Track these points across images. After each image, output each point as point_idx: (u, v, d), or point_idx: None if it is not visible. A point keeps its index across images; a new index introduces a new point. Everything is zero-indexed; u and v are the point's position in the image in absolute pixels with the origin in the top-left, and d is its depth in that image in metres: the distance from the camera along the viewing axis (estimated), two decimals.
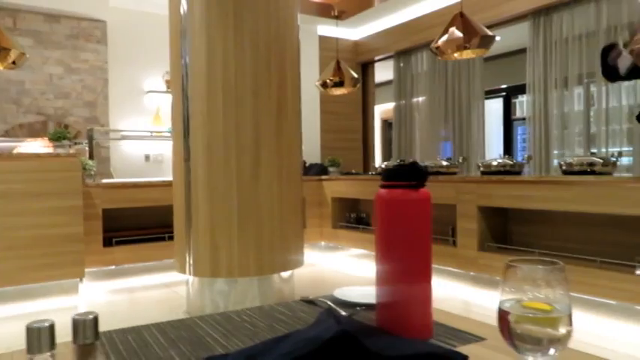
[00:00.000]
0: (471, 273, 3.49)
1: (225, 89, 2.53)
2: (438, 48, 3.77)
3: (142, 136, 5.46)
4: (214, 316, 0.98)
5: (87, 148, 4.28)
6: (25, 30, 5.08)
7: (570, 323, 0.60)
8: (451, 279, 3.64)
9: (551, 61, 4.78)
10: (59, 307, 3.02)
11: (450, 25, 3.70)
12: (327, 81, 5.04)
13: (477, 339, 0.81)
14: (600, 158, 3.12)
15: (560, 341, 0.59)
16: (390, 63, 6.68)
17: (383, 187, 0.83)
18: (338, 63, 5.06)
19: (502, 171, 3.55)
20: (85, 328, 0.55)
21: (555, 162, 4.71)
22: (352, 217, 4.82)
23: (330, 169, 5.34)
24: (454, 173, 4.02)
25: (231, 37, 2.53)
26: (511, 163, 3.58)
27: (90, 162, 3.78)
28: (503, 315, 0.62)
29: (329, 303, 0.99)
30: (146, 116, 5.64)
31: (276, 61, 2.62)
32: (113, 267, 3.79)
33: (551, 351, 0.59)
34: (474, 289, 3.39)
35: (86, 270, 3.38)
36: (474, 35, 3.63)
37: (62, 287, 3.29)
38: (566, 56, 4.68)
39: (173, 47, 2.70)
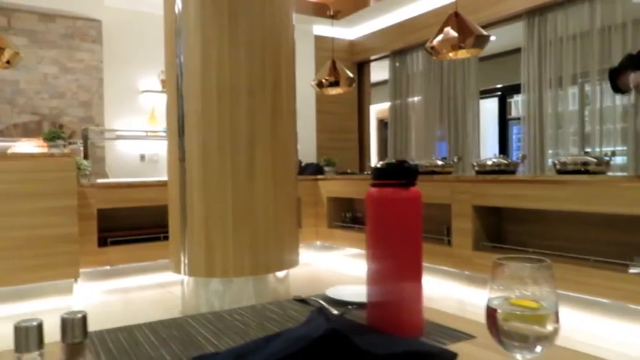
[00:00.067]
0: (466, 272, 3.50)
1: (219, 88, 2.53)
2: (433, 48, 3.78)
3: (138, 136, 5.45)
4: (206, 315, 0.98)
5: (82, 148, 4.27)
6: (20, 29, 5.06)
7: (557, 320, 0.61)
8: (446, 278, 3.65)
9: (546, 61, 4.80)
10: (53, 308, 3.01)
11: (445, 24, 3.70)
12: (323, 80, 5.04)
13: (467, 337, 0.81)
14: (594, 158, 3.13)
15: (547, 338, 0.60)
16: (386, 63, 6.69)
17: (373, 185, 0.84)
18: (333, 63, 5.06)
19: (497, 170, 3.56)
20: (74, 327, 0.55)
21: (550, 161, 4.73)
22: (348, 216, 4.82)
23: (326, 168, 5.34)
24: (449, 173, 4.03)
25: (226, 36, 2.53)
26: (506, 162, 3.59)
27: (85, 162, 3.77)
28: (491, 312, 0.62)
29: (321, 302, 0.99)
30: (141, 116, 5.62)
31: (271, 60, 2.62)
32: (108, 267, 3.78)
33: (538, 348, 0.60)
34: (469, 288, 3.40)
35: (81, 270, 3.37)
36: (468, 35, 3.64)
37: (57, 288, 3.28)
38: (561, 56, 4.70)
39: (168, 46, 2.69)
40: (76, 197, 3.27)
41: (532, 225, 3.34)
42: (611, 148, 4.48)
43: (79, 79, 5.34)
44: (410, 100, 6.43)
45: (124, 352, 0.78)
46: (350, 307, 0.96)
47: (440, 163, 4.09)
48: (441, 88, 5.95)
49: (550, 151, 4.83)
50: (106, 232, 3.79)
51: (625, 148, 4.47)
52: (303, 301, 1.05)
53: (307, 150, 6.29)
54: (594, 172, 3.03)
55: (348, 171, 5.51)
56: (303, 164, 5.56)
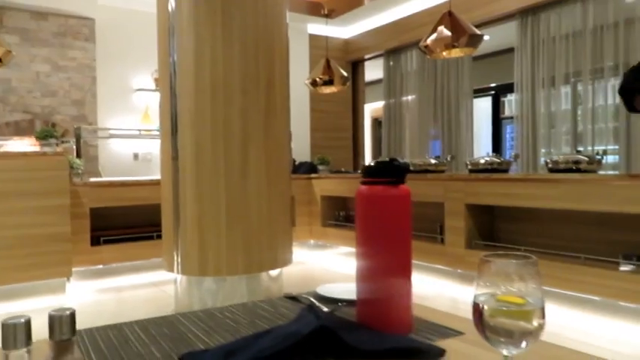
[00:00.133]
0: (459, 270, 3.51)
1: (213, 87, 2.52)
2: (426, 47, 3.79)
3: (131, 135, 5.43)
4: (197, 312, 0.98)
5: (74, 147, 4.25)
6: (12, 27, 5.03)
7: (543, 316, 0.61)
8: (439, 276, 3.66)
9: (539, 61, 4.83)
10: (45, 307, 3.00)
11: (439, 24, 3.72)
12: (317, 79, 5.05)
13: (456, 333, 0.82)
14: (586, 156, 3.16)
15: (533, 334, 0.61)
16: (380, 62, 6.70)
17: (363, 183, 0.84)
18: (328, 61, 5.06)
19: (490, 169, 3.57)
20: (62, 324, 0.55)
21: (542, 160, 4.76)
22: (341, 215, 4.83)
23: (320, 167, 5.35)
24: (442, 171, 4.05)
25: (220, 34, 2.52)
26: (498, 161, 3.61)
27: (77, 160, 3.75)
28: (477, 309, 0.63)
29: (311, 299, 1.00)
30: (135, 114, 5.61)
31: (264, 58, 2.61)
32: (101, 266, 3.77)
33: (524, 343, 0.60)
34: (462, 286, 3.42)
35: (73, 269, 3.36)
36: (462, 34, 3.65)
37: (49, 287, 3.27)
38: (554, 55, 4.73)
39: (161, 45, 2.69)
40: (68, 196, 3.26)
41: (524, 223, 3.36)
42: (604, 147, 4.52)
43: (72, 78, 5.32)
44: (404, 99, 6.44)
45: (113, 349, 0.78)
46: (340, 304, 0.96)
47: (433, 161, 4.10)
48: (434, 87, 5.96)
49: (543, 150, 4.86)
50: (99, 230, 3.78)
51: (617, 147, 4.51)
52: (294, 298, 1.05)
53: (301, 149, 6.29)
54: (586, 171, 3.05)
55: (342, 170, 5.52)
56: (297, 163, 5.56)
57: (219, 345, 0.76)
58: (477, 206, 3.42)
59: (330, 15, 6.10)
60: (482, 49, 4.05)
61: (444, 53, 3.84)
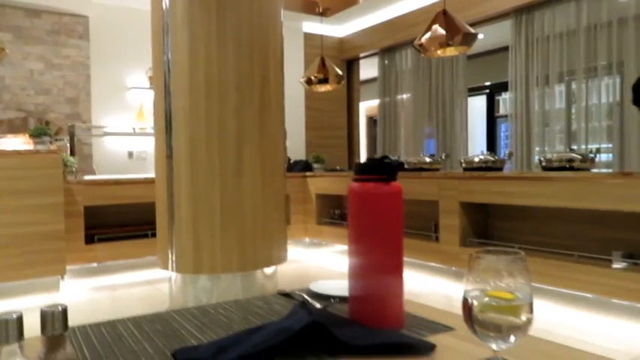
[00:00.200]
0: (453, 268, 3.53)
1: (207, 85, 2.52)
2: (421, 45, 3.80)
3: (125, 133, 5.42)
4: (190, 309, 0.98)
5: (68, 145, 4.23)
6: (5, 25, 5.01)
7: (531, 311, 0.62)
8: (434, 274, 3.68)
9: (533, 59, 4.85)
10: (39, 305, 2.98)
11: (433, 22, 3.73)
12: (312, 78, 5.05)
13: (447, 329, 0.82)
14: (579, 155, 3.18)
15: (521, 329, 0.61)
16: (375, 60, 6.71)
17: (355, 180, 0.85)
18: (322, 60, 5.06)
19: (484, 167, 3.59)
20: (54, 319, 0.55)
21: (536, 158, 4.78)
22: (336, 213, 4.84)
23: (315, 165, 5.35)
24: (437, 170, 4.06)
25: (214, 32, 2.52)
26: (493, 159, 3.63)
27: (71, 159, 3.74)
28: (467, 304, 0.63)
29: (304, 296, 1.00)
30: (129, 113, 5.59)
31: (259, 57, 2.61)
32: (95, 264, 3.76)
33: (512, 338, 0.61)
34: (456, 284, 3.43)
35: (68, 267, 3.35)
36: (456, 33, 3.66)
37: (43, 285, 3.26)
38: (548, 54, 4.75)
39: (155, 43, 2.68)
40: (62, 194, 3.25)
41: (518, 221, 3.38)
42: (598, 146, 4.54)
43: (66, 76, 5.30)
44: (399, 97, 6.45)
45: (106, 346, 0.79)
46: (332, 300, 0.97)
47: (428, 160, 4.12)
48: (429, 86, 5.98)
49: (537, 149, 4.88)
50: (93, 229, 3.77)
51: (611, 145, 4.53)
52: (287, 295, 1.06)
53: (296, 147, 6.30)
54: (579, 169, 3.07)
55: (337, 168, 5.52)
56: (291, 161, 5.57)
57: (212, 341, 0.77)
58: (471, 204, 3.43)
59: (324, 13, 6.10)
60: (476, 47, 4.07)
61: (439, 52, 3.85)
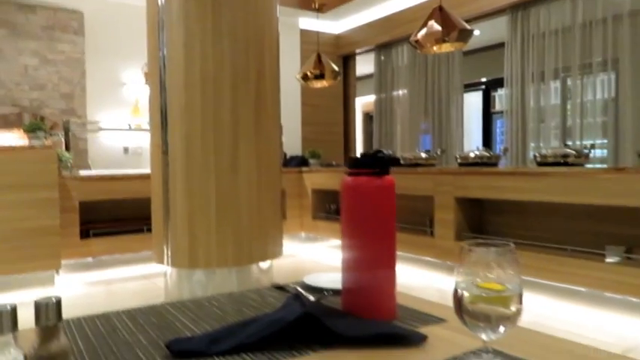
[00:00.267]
0: (448, 262, 3.55)
1: (203, 81, 2.52)
2: (417, 41, 3.80)
3: (121, 128, 5.40)
4: (185, 302, 0.99)
5: (63, 140, 4.22)
6: (0, 20, 4.98)
7: (520, 302, 0.63)
8: (429, 269, 3.70)
9: (529, 56, 4.85)
10: (34, 299, 2.99)
11: (429, 18, 3.72)
12: (308, 74, 5.04)
13: (438, 320, 0.83)
14: (573, 150, 3.19)
15: (510, 319, 0.62)
16: (371, 56, 6.71)
17: (349, 174, 0.85)
18: (319, 56, 5.05)
19: (479, 163, 3.60)
20: (48, 310, 0.56)
21: (532, 154, 4.80)
22: (332, 208, 4.85)
23: (311, 161, 5.36)
24: (433, 165, 4.07)
25: (210, 29, 2.52)
26: (488, 155, 3.64)
27: (66, 154, 3.73)
28: (458, 295, 0.64)
29: (298, 288, 1.01)
30: (125, 108, 5.57)
31: (255, 53, 2.61)
32: (90, 259, 3.76)
33: (502, 328, 0.62)
34: (451, 278, 3.44)
35: (63, 262, 3.35)
36: (452, 29, 3.66)
37: (38, 279, 3.26)
38: (543, 50, 4.76)
39: (151, 39, 2.67)
40: (57, 189, 3.25)
41: (513, 216, 3.39)
42: (592, 142, 4.56)
43: (61, 71, 5.27)
44: (395, 93, 6.46)
45: (101, 338, 0.79)
46: (326, 293, 0.97)
47: (424, 155, 4.13)
48: (425, 82, 5.98)
49: (532, 144, 4.90)
50: (89, 224, 3.76)
51: (605, 141, 4.55)
52: (281, 288, 1.06)
53: (292, 142, 6.30)
54: (574, 165, 3.08)
55: (333, 163, 5.53)
56: (288, 156, 5.57)
57: (206, 332, 0.78)
58: (466, 199, 3.45)
59: (321, 9, 6.08)
60: (472, 44, 4.07)
61: (435, 48, 3.84)
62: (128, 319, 0.89)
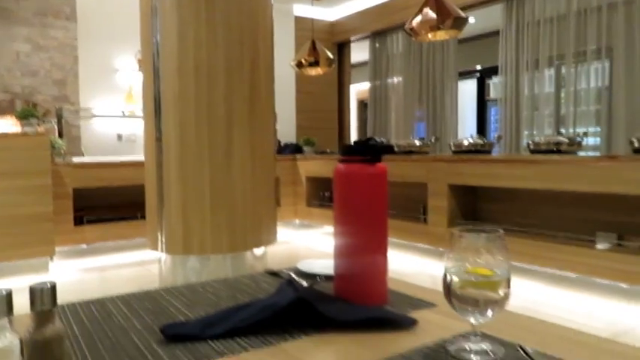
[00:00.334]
0: (441, 249, 3.58)
1: (197, 68, 2.51)
2: (412, 29, 3.79)
3: (114, 115, 5.37)
4: (179, 287, 1.00)
5: (56, 127, 4.19)
6: None
7: (508, 286, 0.64)
8: (422, 255, 3.73)
9: (523, 43, 4.85)
10: (28, 286, 2.99)
11: (424, 6, 3.71)
12: (303, 61, 5.01)
13: (429, 305, 0.85)
14: (566, 138, 3.21)
15: (498, 303, 0.64)
16: (366, 43, 6.68)
17: (341, 161, 0.86)
18: (313, 43, 5.03)
19: (473, 150, 3.62)
20: (43, 294, 0.56)
21: (525, 142, 4.82)
22: (326, 195, 4.86)
23: (305, 148, 5.35)
24: (426, 153, 4.09)
25: (203, 15, 2.49)
26: (481, 142, 3.65)
27: (59, 141, 3.71)
28: (447, 280, 0.66)
29: (291, 274, 1.02)
30: (118, 95, 5.54)
31: (249, 40, 2.60)
32: (84, 246, 3.76)
33: (489, 312, 0.63)
34: (443, 264, 3.48)
35: (57, 249, 3.35)
36: (447, 16, 3.65)
37: (32, 266, 3.26)
38: (538, 38, 4.75)
39: (144, 25, 2.65)
40: (50, 176, 3.24)
41: (506, 203, 3.42)
42: (585, 130, 4.58)
43: (53, 57, 5.22)
44: (390, 81, 6.44)
45: (96, 323, 0.80)
46: (319, 278, 0.99)
47: (418, 143, 4.14)
48: (420, 70, 5.97)
49: (526, 132, 4.92)
50: (82, 210, 3.76)
51: (598, 129, 4.58)
52: (274, 273, 1.08)
53: (287, 130, 6.28)
54: (566, 153, 3.10)
55: (327, 151, 5.53)
56: (282, 144, 5.57)
57: (200, 317, 0.79)
58: (459, 187, 3.47)
59: None
60: (467, 31, 4.06)
61: (429, 35, 3.83)
62: (123, 305, 0.89)
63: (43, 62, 5.17)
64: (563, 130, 4.59)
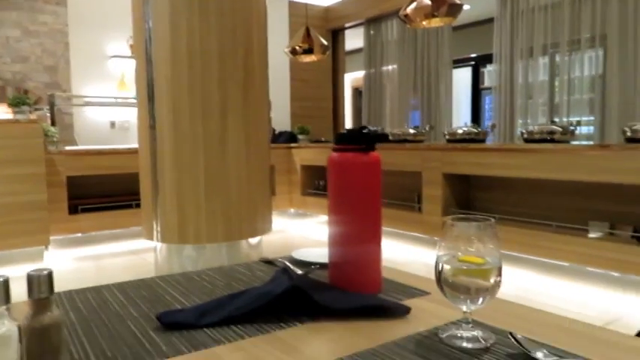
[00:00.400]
0: (435, 238, 3.60)
1: (190, 55, 2.49)
2: (406, 16, 3.77)
3: (107, 103, 5.33)
4: (175, 276, 1.00)
5: (48, 115, 4.16)
6: None
7: (499, 274, 0.65)
8: (416, 244, 3.75)
9: (518, 31, 4.84)
10: (23, 275, 2.99)
11: None
12: (297, 48, 4.98)
13: (422, 293, 0.86)
14: (560, 127, 3.22)
15: (489, 291, 0.65)
16: (361, 30, 6.64)
17: (335, 150, 0.86)
18: (307, 29, 4.99)
19: (467, 139, 3.63)
20: (40, 282, 0.57)
21: (519, 131, 4.83)
22: (321, 184, 4.87)
23: (300, 136, 5.35)
24: (421, 141, 4.09)
25: (196, 3, 2.47)
26: (476, 131, 3.66)
27: (52, 128, 3.69)
28: (440, 268, 0.67)
29: (286, 262, 1.03)
30: (111, 82, 5.49)
31: (242, 27, 2.58)
32: (79, 234, 3.76)
33: (481, 300, 0.65)
34: None
35: (51, 238, 3.34)
36: (442, 3, 3.63)
37: (27, 255, 3.25)
38: (532, 26, 4.75)
39: (135, 11, 2.63)
40: (43, 164, 3.22)
41: (499, 192, 3.44)
42: (579, 118, 4.60)
43: (44, 43, 5.16)
44: (384, 68, 6.43)
45: (92, 310, 0.81)
46: (313, 267, 1.00)
47: (412, 131, 4.14)
48: (415, 57, 5.96)
49: (520, 121, 4.93)
50: (77, 199, 3.75)
51: (592, 118, 4.60)
52: (269, 262, 1.08)
53: (281, 118, 6.26)
54: (559, 141, 3.12)
55: (322, 139, 5.52)
56: (276, 132, 5.55)
57: (195, 305, 0.79)
58: (453, 175, 3.48)
59: None
60: (462, 19, 4.04)
61: (424, 22, 3.82)
62: (119, 292, 0.90)
63: (33, 48, 5.11)
64: (557, 119, 4.61)
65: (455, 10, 3.68)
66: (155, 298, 0.87)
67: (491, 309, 0.70)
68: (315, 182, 4.90)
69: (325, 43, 5.07)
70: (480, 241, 0.65)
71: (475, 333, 0.67)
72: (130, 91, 5.33)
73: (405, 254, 3.51)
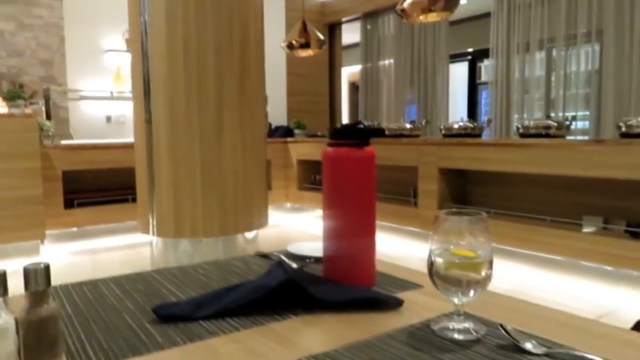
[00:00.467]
0: (431, 232, 3.61)
1: (186, 49, 2.48)
2: (403, 10, 3.77)
3: (103, 97, 5.31)
4: (170, 269, 1.01)
5: (44, 109, 4.15)
6: None
7: (490, 267, 0.66)
8: (412, 238, 3.77)
9: (515, 26, 4.85)
10: (19, 269, 3.00)
11: None
12: (293, 42, 4.97)
13: (415, 286, 0.87)
14: (555, 122, 3.24)
15: (480, 283, 0.66)
16: (357, 25, 6.63)
17: (330, 145, 0.87)
18: (304, 24, 4.98)
19: (463, 134, 3.64)
20: (37, 275, 0.57)
21: (515, 125, 4.84)
22: (317, 178, 4.88)
23: (296, 131, 5.35)
24: (417, 136, 4.10)
25: None
26: (472, 126, 3.68)
27: (47, 123, 3.68)
28: (432, 262, 0.68)
29: (281, 256, 1.04)
30: (106, 76, 5.47)
31: (238, 19, 2.57)
32: (75, 229, 3.76)
33: (472, 292, 0.66)
34: None
35: (47, 232, 3.35)
36: None
37: (23, 249, 3.26)
38: (529, 21, 4.75)
39: (131, 4, 2.62)
40: (39, 159, 3.21)
41: (495, 186, 3.46)
42: (575, 113, 4.62)
43: (39, 37, 5.13)
44: (381, 63, 6.42)
45: (89, 303, 0.82)
46: (308, 260, 1.01)
47: (408, 126, 4.15)
48: (411, 52, 5.96)
49: (516, 116, 4.95)
50: (73, 193, 3.75)
51: (588, 112, 4.61)
52: (265, 256, 1.09)
53: (278, 112, 6.26)
54: (555, 136, 3.13)
55: (318, 134, 5.53)
56: (273, 127, 5.55)
57: (191, 298, 0.80)
58: (449, 170, 3.49)
59: None
60: (459, 13, 4.05)
61: (421, 17, 3.81)
62: (115, 286, 0.91)
63: (28, 42, 5.09)
64: (552, 114, 4.62)
65: (452, 4, 3.68)
66: (151, 291, 0.88)
67: (482, 301, 0.71)
68: (312, 177, 4.91)
69: (322, 37, 5.06)
70: (472, 234, 0.66)
71: (466, 325, 0.68)
72: (126, 85, 5.31)
73: (401, 248, 3.53)
